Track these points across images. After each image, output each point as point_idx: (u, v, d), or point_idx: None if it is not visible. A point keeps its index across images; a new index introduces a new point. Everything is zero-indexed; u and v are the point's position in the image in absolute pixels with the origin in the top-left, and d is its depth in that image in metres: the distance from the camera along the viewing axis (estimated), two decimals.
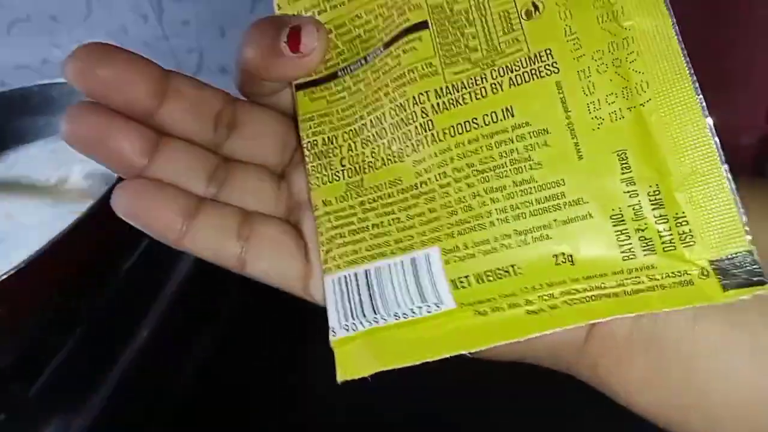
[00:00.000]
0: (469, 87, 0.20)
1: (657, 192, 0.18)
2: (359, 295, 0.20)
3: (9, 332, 0.34)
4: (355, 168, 0.21)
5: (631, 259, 0.18)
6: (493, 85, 0.19)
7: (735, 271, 0.17)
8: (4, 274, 0.30)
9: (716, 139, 0.17)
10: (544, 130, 0.19)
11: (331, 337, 0.20)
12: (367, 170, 0.21)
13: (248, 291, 0.48)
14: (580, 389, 0.21)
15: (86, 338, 0.36)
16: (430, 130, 0.20)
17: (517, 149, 0.19)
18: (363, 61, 0.21)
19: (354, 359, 0.20)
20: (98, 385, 0.33)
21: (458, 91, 0.20)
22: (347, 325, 0.20)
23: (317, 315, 0.21)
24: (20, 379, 0.33)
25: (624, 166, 0.18)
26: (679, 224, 0.18)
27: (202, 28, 0.61)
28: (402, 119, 0.20)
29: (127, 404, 0.35)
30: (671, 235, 0.18)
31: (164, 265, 0.41)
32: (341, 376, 0.20)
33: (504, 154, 0.19)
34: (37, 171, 0.48)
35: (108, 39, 0.20)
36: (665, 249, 0.18)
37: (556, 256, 0.18)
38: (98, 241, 0.36)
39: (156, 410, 0.38)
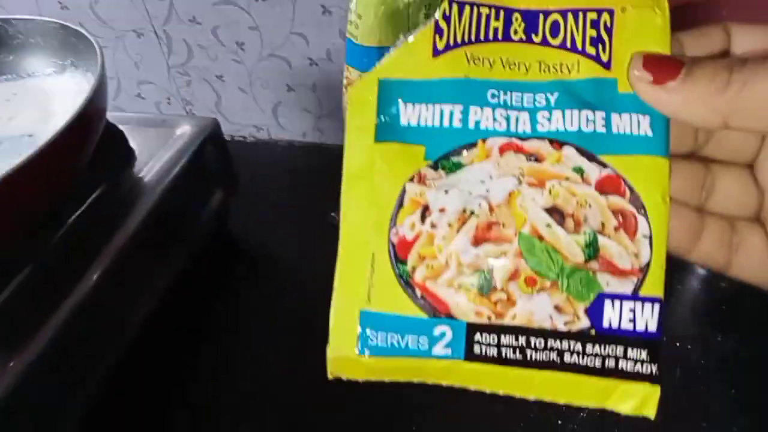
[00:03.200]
0: None
1: None
2: None
3: None
4: None
5: None
6: None
7: None
8: None
9: None
10: None
11: None
12: None
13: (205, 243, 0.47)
14: None
15: (31, 280, 0.36)
16: None
17: None
18: None
19: None
20: (42, 326, 0.33)
21: None
22: None
23: None
24: None
25: None
26: None
27: None
28: None
29: (70, 348, 0.34)
30: None
31: (116, 214, 0.40)
32: None
33: None
34: None
35: None
36: None
37: None
38: (48, 182, 0.35)
39: (100, 358, 0.38)
